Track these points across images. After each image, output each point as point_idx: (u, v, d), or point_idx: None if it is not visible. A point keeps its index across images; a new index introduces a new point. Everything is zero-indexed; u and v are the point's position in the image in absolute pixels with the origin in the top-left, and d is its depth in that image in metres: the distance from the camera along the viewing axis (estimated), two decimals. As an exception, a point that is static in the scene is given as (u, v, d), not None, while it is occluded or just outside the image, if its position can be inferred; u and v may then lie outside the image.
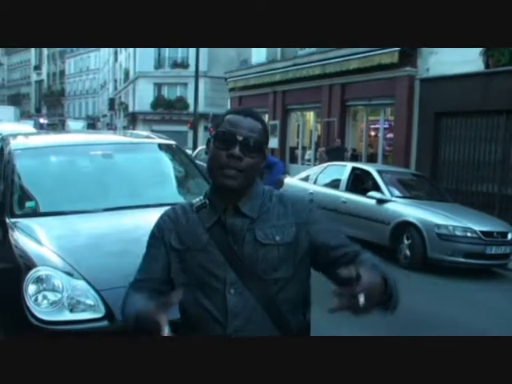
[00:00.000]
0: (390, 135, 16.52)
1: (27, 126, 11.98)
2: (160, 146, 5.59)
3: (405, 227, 9.17)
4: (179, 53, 37.18)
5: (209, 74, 34.37)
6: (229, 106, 24.58)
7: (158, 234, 1.92)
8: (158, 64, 38.51)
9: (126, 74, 44.81)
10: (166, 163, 5.55)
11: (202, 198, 1.93)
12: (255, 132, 1.84)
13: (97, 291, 3.35)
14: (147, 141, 5.89)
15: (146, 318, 1.67)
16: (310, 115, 20.97)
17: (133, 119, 40.82)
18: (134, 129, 35.76)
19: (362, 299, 1.57)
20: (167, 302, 1.65)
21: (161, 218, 1.95)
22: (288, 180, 12.54)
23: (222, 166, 1.80)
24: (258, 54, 22.11)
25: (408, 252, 9.05)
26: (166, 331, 1.59)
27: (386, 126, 16.86)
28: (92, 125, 56.04)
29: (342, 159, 14.78)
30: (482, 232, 8.78)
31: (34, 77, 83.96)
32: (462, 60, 12.19)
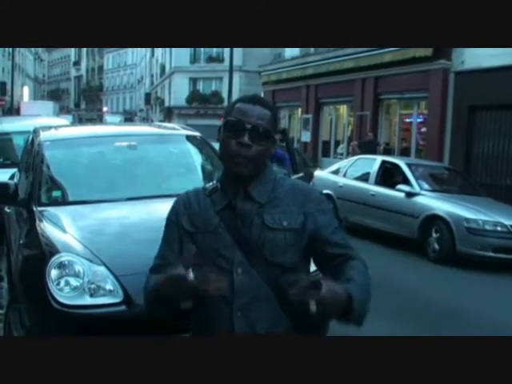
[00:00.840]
0: (423, 129, 16.35)
1: (63, 120, 12.21)
2: (186, 138, 5.68)
3: (433, 221, 9.09)
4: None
5: (244, 68, 34.41)
6: (262, 100, 24.62)
7: (173, 218, 2.00)
8: (194, 59, 38.75)
9: (162, 68, 45.22)
10: (191, 154, 5.63)
11: (215, 182, 2.01)
12: (264, 120, 1.89)
13: (116, 277, 3.44)
14: (173, 132, 5.99)
15: (167, 276, 1.78)
16: (343, 109, 20.89)
17: (168, 113, 41.21)
18: (169, 123, 36.09)
19: (313, 307, 1.64)
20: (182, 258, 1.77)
21: (175, 202, 2.04)
22: (318, 173, 12.57)
23: (233, 154, 1.86)
24: (292, 48, 22.07)
25: (436, 246, 8.98)
26: (191, 275, 1.69)
27: (420, 119, 16.68)
28: (129, 119, 56.72)
29: (374, 153, 14.69)
30: (513, 226, 8.65)
31: (73, 72, 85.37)
32: (498, 52, 11.93)
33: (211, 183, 2.01)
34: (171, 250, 1.98)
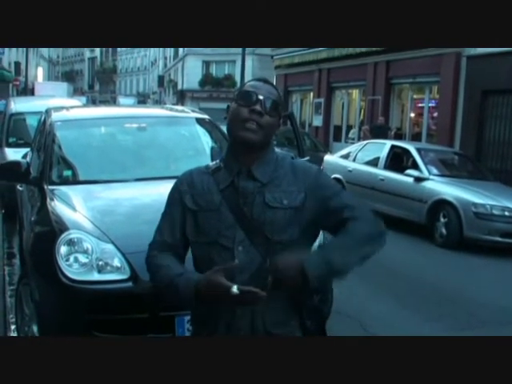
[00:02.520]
0: (435, 114, 16.28)
1: (76, 101, 12.29)
2: (196, 120, 5.74)
3: (442, 205, 9.11)
4: (228, 30, 37.18)
5: (256, 51, 34.25)
6: (274, 84, 24.55)
7: (176, 196, 2.05)
8: (207, 41, 38.62)
9: (176, 51, 45.15)
10: (200, 137, 5.69)
11: (217, 161, 2.06)
12: (274, 95, 2.00)
13: (123, 254, 3.53)
14: (183, 115, 6.06)
15: (210, 285, 1.83)
16: (355, 93, 20.81)
17: (181, 96, 41.21)
18: (182, 106, 36.09)
19: (270, 278, 1.83)
20: (225, 268, 1.84)
21: (178, 180, 2.09)
22: (328, 157, 12.60)
23: (245, 119, 1.93)
24: (305, 32, 21.95)
25: (444, 230, 9.00)
26: (235, 289, 1.77)
27: (432, 104, 16.60)
28: (142, 102, 56.73)
29: (386, 137, 14.68)
30: (521, 211, 8.66)
31: (87, 54, 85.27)
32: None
33: (214, 162, 2.06)
34: (174, 230, 2.03)
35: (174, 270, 1.97)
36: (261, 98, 1.95)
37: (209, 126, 5.63)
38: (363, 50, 17.83)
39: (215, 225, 1.96)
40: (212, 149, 5.57)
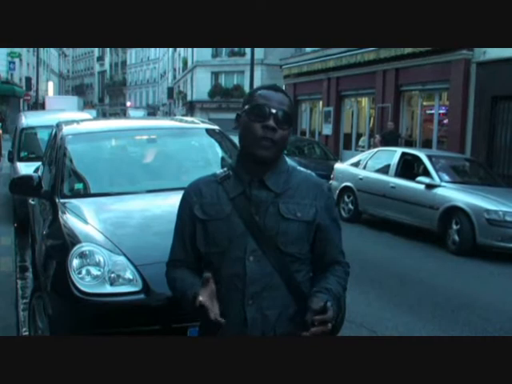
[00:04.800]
0: (445, 120, 16.22)
1: (86, 115, 12.38)
2: (206, 131, 5.75)
3: (454, 212, 9.06)
4: (236, 41, 37.30)
5: (265, 61, 34.37)
6: (283, 93, 24.57)
7: (186, 211, 2.05)
8: (216, 53, 38.79)
9: (185, 63, 45.36)
10: (210, 147, 5.70)
11: (225, 169, 2.05)
12: (285, 105, 1.97)
13: (135, 266, 3.53)
14: (192, 126, 6.07)
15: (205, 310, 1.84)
16: (364, 101, 20.79)
17: (191, 108, 41.35)
18: (191, 117, 36.21)
19: (330, 326, 1.87)
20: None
21: (186, 193, 2.08)
22: (338, 165, 12.58)
23: (259, 137, 1.92)
24: (313, 41, 21.99)
25: (457, 237, 8.95)
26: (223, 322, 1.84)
27: (442, 111, 16.55)
28: (152, 114, 57.05)
29: (396, 144, 14.65)
30: (534, 217, 8.58)
31: (97, 67, 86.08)
32: (520, 42, 11.84)
33: (222, 170, 2.05)
34: (182, 244, 2.06)
35: (187, 281, 1.98)
36: (273, 111, 1.92)
37: (219, 137, 5.63)
38: (371, 57, 17.86)
39: (226, 234, 1.95)
40: (222, 159, 5.57)
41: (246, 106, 1.97)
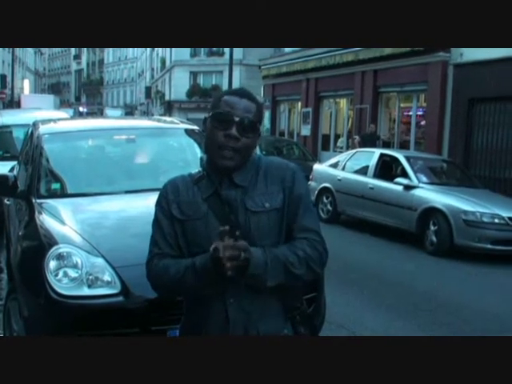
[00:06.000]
0: (423, 122, 16.36)
1: (63, 114, 12.24)
2: (185, 131, 5.71)
3: (431, 213, 9.12)
4: (214, 41, 37.19)
5: (244, 61, 34.35)
6: (262, 94, 24.61)
7: (164, 206, 2.01)
8: (194, 52, 38.66)
9: (163, 62, 45.15)
10: (190, 148, 5.66)
11: (200, 169, 2.03)
12: (251, 112, 1.93)
13: (114, 268, 3.48)
14: (171, 126, 6.02)
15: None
16: (343, 102, 20.87)
17: (169, 107, 41.18)
18: (169, 117, 36.07)
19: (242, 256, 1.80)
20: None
21: (164, 190, 2.04)
22: (317, 166, 12.60)
23: (220, 146, 1.89)
24: (292, 41, 22.02)
25: (434, 238, 9.01)
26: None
27: (419, 112, 16.68)
28: (130, 113, 56.69)
29: (374, 145, 14.75)
30: (510, 218, 8.68)
31: (73, 66, 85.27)
32: (496, 45, 11.97)
33: (197, 171, 2.03)
34: (165, 240, 1.99)
35: (184, 261, 1.93)
36: (236, 119, 1.89)
37: (198, 137, 5.59)
38: (350, 59, 17.94)
39: (204, 233, 1.94)
40: (201, 159, 5.52)
41: (211, 112, 1.95)
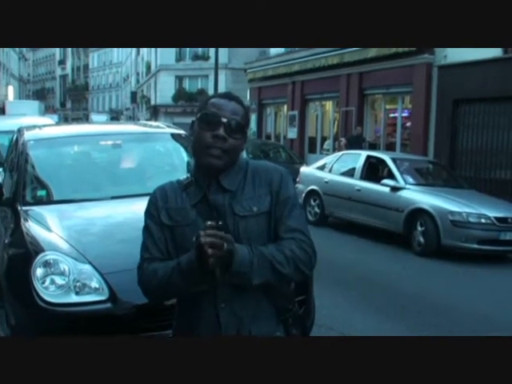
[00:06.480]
0: (408, 123, 16.45)
1: (48, 120, 12.17)
2: (171, 136, 5.69)
3: (418, 214, 9.17)
4: (200, 45, 37.16)
5: (229, 65, 34.39)
6: (248, 98, 24.62)
7: (153, 212, 2.01)
8: (179, 57, 38.63)
9: (148, 67, 45.05)
10: (176, 152, 5.64)
11: (188, 175, 2.02)
12: (238, 115, 1.94)
13: (101, 275, 3.46)
14: (158, 130, 6.00)
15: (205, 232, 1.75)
16: (329, 105, 20.94)
17: (155, 112, 41.09)
18: (155, 121, 35.98)
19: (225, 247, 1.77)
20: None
21: (153, 196, 2.04)
22: (304, 169, 12.62)
23: (208, 145, 1.89)
24: (277, 45, 22.06)
25: (422, 239, 9.06)
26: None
27: (405, 114, 16.78)
28: (115, 118, 56.50)
29: (360, 147, 14.81)
30: (497, 218, 8.74)
31: (58, 71, 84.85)
32: (480, 46, 12.08)
33: (185, 177, 2.03)
34: (155, 245, 1.98)
35: (171, 262, 1.92)
36: (224, 120, 1.90)
37: (184, 141, 5.58)
38: (335, 61, 18.01)
39: (192, 239, 1.89)
40: (188, 164, 5.52)
41: (198, 114, 1.95)
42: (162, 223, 1.98)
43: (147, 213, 2.03)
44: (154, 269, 1.94)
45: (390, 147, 16.84)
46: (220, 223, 1.78)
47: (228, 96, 1.98)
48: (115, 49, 66.80)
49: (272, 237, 1.97)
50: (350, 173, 10.97)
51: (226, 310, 1.92)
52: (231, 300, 1.92)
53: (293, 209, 1.98)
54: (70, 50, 79.89)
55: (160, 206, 1.99)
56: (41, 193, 4.62)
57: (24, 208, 4.27)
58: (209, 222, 1.76)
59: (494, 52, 12.61)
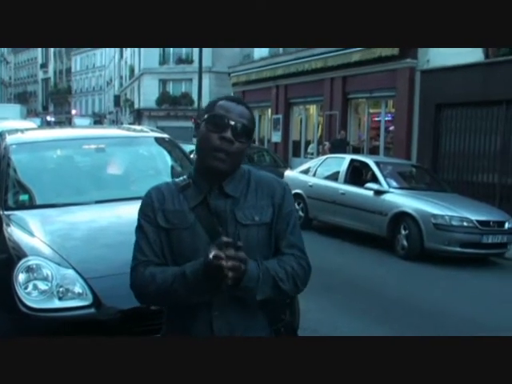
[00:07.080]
0: (391, 127, 16.56)
1: (31, 124, 12.07)
2: (155, 140, 5.67)
3: (402, 218, 9.23)
4: (184, 49, 37.15)
5: (213, 69, 34.38)
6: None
7: (149, 214, 1.95)
8: (163, 60, 38.53)
9: (132, 70, 44.87)
10: (160, 156, 5.63)
11: (185, 177, 1.99)
12: (245, 119, 1.92)
13: (85, 280, 3.43)
14: (142, 134, 5.98)
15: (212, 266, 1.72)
16: (313, 109, 21.01)
17: (138, 116, 40.91)
18: (139, 125, 35.82)
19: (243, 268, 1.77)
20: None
21: (148, 196, 1.98)
22: (288, 173, 12.64)
23: (214, 148, 1.86)
24: (261, 49, 22.13)
25: (405, 242, 9.11)
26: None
27: (388, 118, 16.88)
28: (98, 122, 56.19)
29: (344, 151, 14.87)
30: (479, 221, 8.82)
31: (40, 75, 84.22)
32: (463, 51, 12.13)
33: (182, 178, 1.99)
34: (150, 245, 1.93)
35: (172, 269, 1.88)
36: (232, 123, 1.88)
37: (168, 145, 5.57)
38: (319, 65, 18.08)
39: (190, 244, 1.90)
40: (172, 168, 5.51)
41: (205, 116, 1.93)
42: (158, 225, 1.93)
43: (141, 213, 1.97)
44: (151, 273, 1.89)
45: (373, 151, 16.93)
46: (231, 240, 1.74)
47: (236, 100, 1.97)
48: (98, 52, 66.53)
49: (272, 248, 1.96)
50: (334, 176, 11.02)
51: (219, 317, 1.90)
52: (225, 308, 1.90)
53: (295, 224, 2.00)
54: (52, 53, 79.40)
55: (156, 207, 1.94)
56: (23, 197, 4.57)
57: (6, 213, 4.22)
58: (225, 239, 1.72)
59: (475, 57, 12.74)
